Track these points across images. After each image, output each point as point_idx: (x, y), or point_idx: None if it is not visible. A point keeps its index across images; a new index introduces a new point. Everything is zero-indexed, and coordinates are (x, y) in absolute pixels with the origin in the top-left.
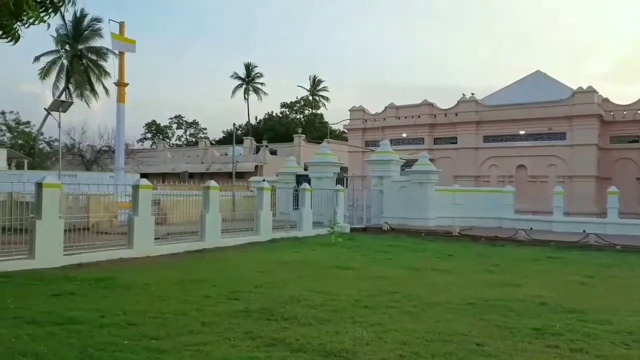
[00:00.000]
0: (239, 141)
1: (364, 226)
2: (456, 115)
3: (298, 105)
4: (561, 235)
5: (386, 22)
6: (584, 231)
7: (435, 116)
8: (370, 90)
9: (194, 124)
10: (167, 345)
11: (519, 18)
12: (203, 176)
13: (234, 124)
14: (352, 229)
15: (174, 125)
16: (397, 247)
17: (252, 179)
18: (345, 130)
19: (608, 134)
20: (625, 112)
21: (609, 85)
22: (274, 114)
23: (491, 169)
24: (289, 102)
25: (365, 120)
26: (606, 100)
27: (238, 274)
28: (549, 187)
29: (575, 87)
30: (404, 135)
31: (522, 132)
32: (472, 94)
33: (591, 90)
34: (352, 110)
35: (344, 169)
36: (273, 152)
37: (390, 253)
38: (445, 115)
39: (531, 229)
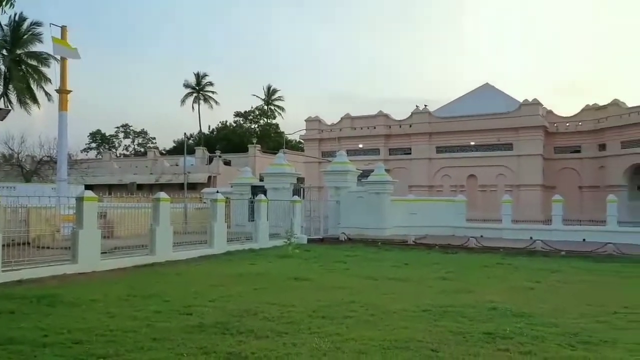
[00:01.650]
0: (191, 151)
1: (321, 237)
2: (410, 126)
3: (253, 114)
4: (510, 242)
5: (343, 32)
6: (531, 238)
7: (390, 127)
8: (326, 100)
9: (142, 133)
10: None
11: (470, 32)
12: (152, 187)
13: (185, 134)
14: (309, 240)
15: (121, 135)
16: (354, 257)
17: (205, 190)
18: (302, 141)
19: (552, 145)
20: (567, 124)
21: (553, 98)
22: (227, 124)
23: (444, 178)
24: (243, 112)
25: (322, 131)
26: (550, 112)
27: (191, 288)
28: (498, 196)
29: (521, 100)
30: (360, 145)
31: (472, 143)
32: (425, 105)
33: (536, 103)
34: (308, 121)
35: (300, 180)
36: (227, 163)
37: (348, 263)
38: (400, 127)
39: (482, 236)
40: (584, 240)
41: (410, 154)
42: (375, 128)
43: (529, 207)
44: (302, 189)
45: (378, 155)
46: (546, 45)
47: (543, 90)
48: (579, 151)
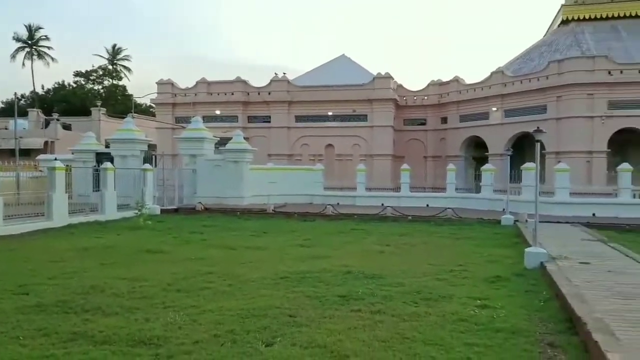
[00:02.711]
0: (23, 113)
1: (176, 207)
2: (269, 94)
3: (95, 74)
4: (364, 208)
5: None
6: (383, 204)
7: (248, 94)
8: (181, 64)
9: None
10: None
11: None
12: None
13: (16, 94)
14: (162, 211)
15: None
16: (212, 227)
17: (41, 157)
18: (153, 105)
19: (402, 117)
20: (415, 98)
21: (403, 72)
22: (66, 84)
23: (303, 147)
24: (84, 71)
25: (175, 95)
26: (400, 86)
27: (27, 265)
28: (353, 165)
29: (375, 73)
30: (218, 112)
31: (330, 113)
32: (284, 73)
33: (388, 77)
34: (160, 84)
35: (152, 147)
36: (67, 127)
37: (205, 233)
38: (259, 94)
39: (338, 204)
40: (427, 205)
41: (269, 122)
42: (233, 94)
43: (381, 176)
44: (154, 157)
45: (236, 123)
46: (398, 21)
47: (394, 64)
48: (424, 123)
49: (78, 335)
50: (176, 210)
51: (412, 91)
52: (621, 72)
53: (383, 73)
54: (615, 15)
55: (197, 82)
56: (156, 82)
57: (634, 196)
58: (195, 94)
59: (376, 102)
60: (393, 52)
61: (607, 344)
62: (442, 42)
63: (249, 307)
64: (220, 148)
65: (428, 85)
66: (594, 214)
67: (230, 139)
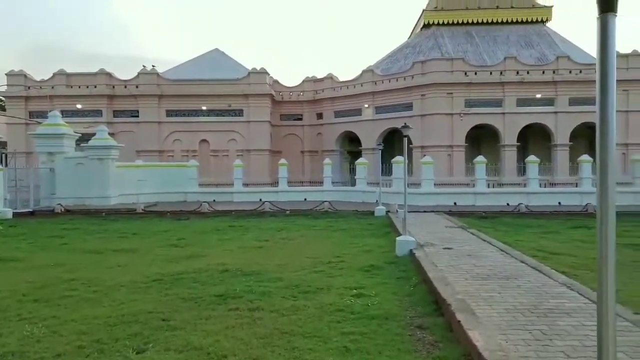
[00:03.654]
0: None
1: (31, 210)
2: (137, 87)
3: None
4: (241, 204)
5: None
6: (261, 200)
7: (114, 87)
8: (39, 56)
9: None
10: None
11: None
12: None
13: None
14: (15, 214)
15: None
16: (74, 230)
17: None
18: (2, 98)
19: (278, 112)
20: (291, 93)
21: (278, 68)
22: None
23: (175, 143)
24: None
25: (29, 88)
26: (276, 82)
27: None
28: (230, 161)
29: (250, 68)
30: (79, 106)
31: (204, 108)
32: (153, 66)
33: (264, 72)
34: (10, 75)
35: (2, 144)
36: None
37: (66, 237)
38: (126, 87)
39: (214, 200)
40: (305, 199)
41: (137, 116)
42: (96, 87)
43: (258, 171)
44: (4, 155)
45: (100, 117)
46: (272, 18)
47: (269, 60)
48: (301, 119)
49: None
50: (32, 214)
51: (288, 87)
52: (475, 73)
53: (258, 68)
54: (470, 21)
55: (55, 74)
56: (5, 74)
57: (488, 186)
58: (53, 87)
59: (252, 97)
60: (268, 48)
61: (468, 322)
62: (315, 40)
63: (118, 314)
64: (82, 145)
65: (303, 81)
66: (455, 203)
67: (93, 134)
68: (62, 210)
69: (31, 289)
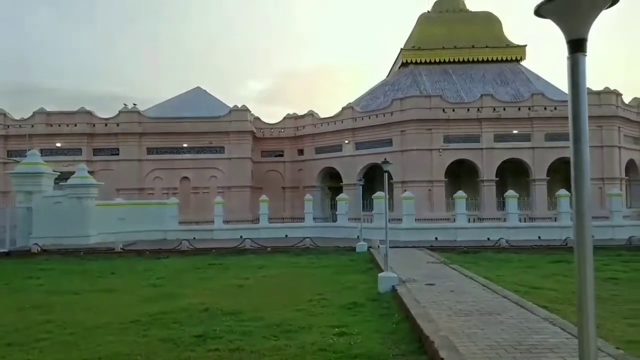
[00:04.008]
0: None
1: (6, 250)
2: (117, 125)
3: None
4: (222, 242)
5: (38, 22)
6: (241, 237)
7: (94, 125)
8: (18, 95)
9: None
10: None
11: (185, 36)
12: None
13: None
14: None
15: None
16: (50, 270)
17: None
18: None
19: (259, 149)
20: (272, 130)
21: (259, 106)
22: None
23: (156, 181)
24: None
25: (8, 126)
26: (257, 119)
27: None
28: (211, 198)
29: (231, 105)
30: (58, 145)
31: (185, 145)
32: (134, 104)
33: (245, 109)
34: None
35: None
36: None
37: (42, 278)
38: (106, 125)
39: (194, 238)
40: (286, 236)
41: (118, 154)
42: (76, 126)
43: (239, 207)
44: None
45: (80, 156)
46: (252, 56)
47: (248, 98)
48: (282, 155)
49: None
50: (7, 254)
51: (269, 124)
52: (453, 110)
53: (239, 106)
54: (447, 60)
55: (35, 113)
56: None
57: (469, 220)
58: (32, 126)
59: (233, 134)
60: (250, 85)
61: None
62: (297, 78)
63: (94, 357)
64: (61, 184)
65: (284, 118)
66: (436, 238)
67: (73, 173)
68: (39, 250)
69: (5, 332)
